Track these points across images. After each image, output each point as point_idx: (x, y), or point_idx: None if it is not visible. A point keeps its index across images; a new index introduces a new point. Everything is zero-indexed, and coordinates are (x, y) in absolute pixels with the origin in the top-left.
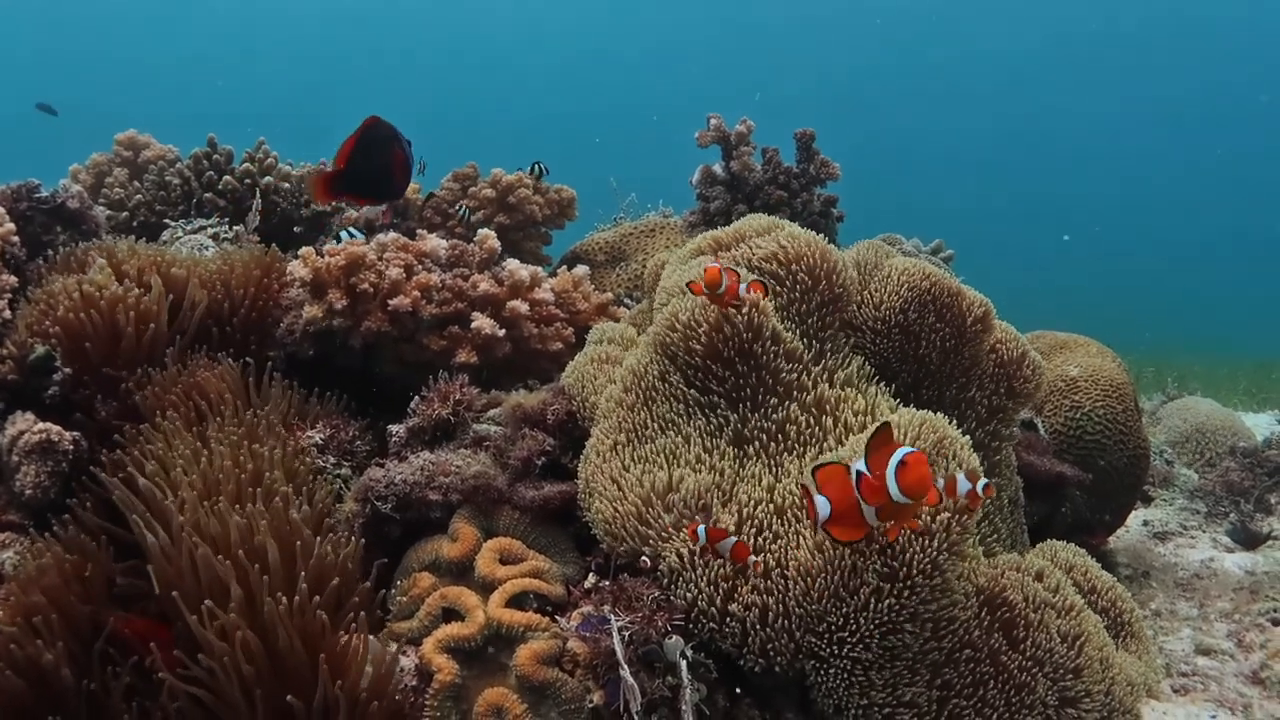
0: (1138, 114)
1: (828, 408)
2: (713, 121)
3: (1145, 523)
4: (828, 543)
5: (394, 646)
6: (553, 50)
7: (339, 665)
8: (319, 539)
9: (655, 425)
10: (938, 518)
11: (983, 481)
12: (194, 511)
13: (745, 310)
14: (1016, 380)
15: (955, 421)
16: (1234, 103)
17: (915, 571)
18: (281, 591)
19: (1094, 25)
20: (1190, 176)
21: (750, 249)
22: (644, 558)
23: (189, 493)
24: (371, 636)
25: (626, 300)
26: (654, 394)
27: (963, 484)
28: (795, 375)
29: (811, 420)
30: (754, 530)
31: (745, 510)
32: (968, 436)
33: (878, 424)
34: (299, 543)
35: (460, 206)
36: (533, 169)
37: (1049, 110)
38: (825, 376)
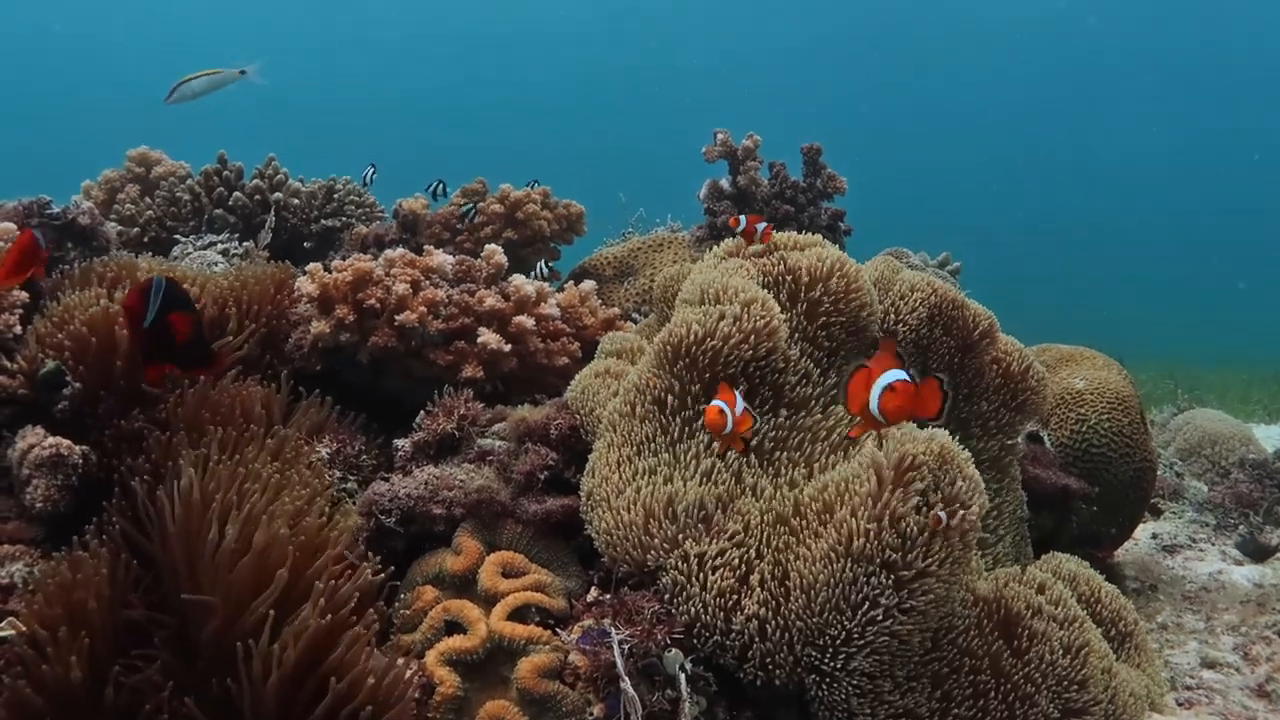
0: (1152, 121)
1: (837, 421)
2: (719, 136)
3: (1154, 535)
4: (833, 555)
5: (399, 659)
6: (559, 65)
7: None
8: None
9: (659, 438)
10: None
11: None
12: (259, 518)
13: (754, 328)
14: (1022, 392)
15: (966, 436)
16: (1251, 112)
17: (917, 583)
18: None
19: (1101, 28)
20: (1203, 185)
21: (782, 263)
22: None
23: (259, 500)
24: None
25: (635, 315)
26: (658, 407)
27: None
28: (805, 390)
29: (821, 434)
30: (755, 542)
31: (747, 521)
32: (968, 453)
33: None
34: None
35: (468, 208)
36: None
37: (1060, 115)
38: (837, 393)
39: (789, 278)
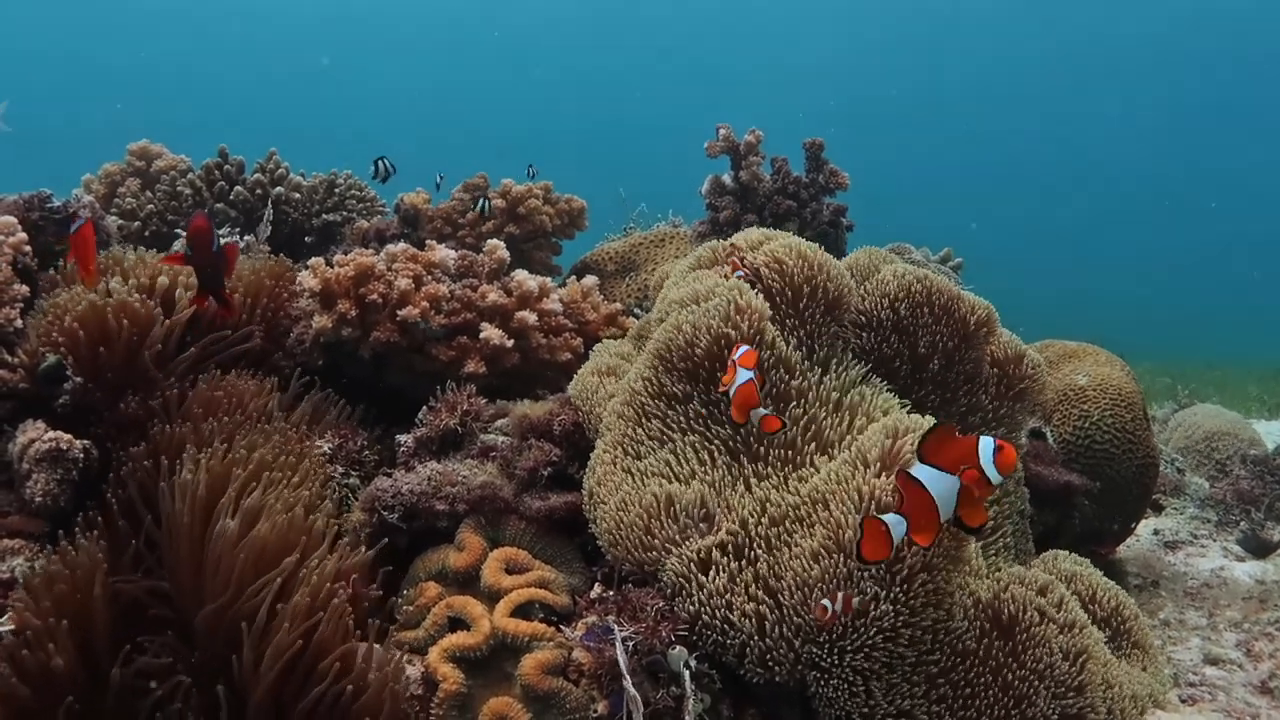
0: (1151, 119)
1: (828, 413)
2: (722, 132)
3: (1156, 532)
4: (824, 551)
5: (399, 654)
6: (561, 58)
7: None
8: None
9: (655, 437)
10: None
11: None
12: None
13: (735, 307)
14: (1017, 380)
15: (967, 429)
16: (1250, 108)
17: (911, 577)
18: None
19: (1108, 29)
20: (1203, 183)
21: (749, 260)
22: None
23: (258, 492)
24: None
25: (636, 310)
26: (653, 406)
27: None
28: (793, 382)
29: (811, 426)
30: (751, 539)
31: (742, 519)
32: None
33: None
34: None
35: (481, 202)
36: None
37: (1061, 116)
38: (824, 382)
39: (751, 273)
